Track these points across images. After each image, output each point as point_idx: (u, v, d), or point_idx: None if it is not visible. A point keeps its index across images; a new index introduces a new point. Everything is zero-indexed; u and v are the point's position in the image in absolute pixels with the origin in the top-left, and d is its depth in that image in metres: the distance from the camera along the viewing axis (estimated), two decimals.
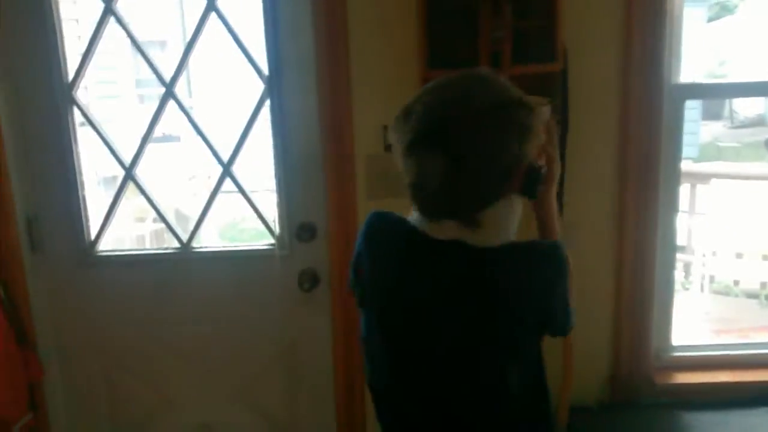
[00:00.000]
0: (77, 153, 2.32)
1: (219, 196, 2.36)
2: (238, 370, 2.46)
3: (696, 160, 5.65)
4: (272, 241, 2.35)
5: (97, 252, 2.40)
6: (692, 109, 5.35)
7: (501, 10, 1.91)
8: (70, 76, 2.26)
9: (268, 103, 2.26)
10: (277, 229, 2.34)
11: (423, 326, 1.32)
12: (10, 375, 2.22)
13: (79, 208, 2.35)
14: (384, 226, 1.39)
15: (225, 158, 2.31)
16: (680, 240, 2.44)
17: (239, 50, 2.23)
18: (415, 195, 1.26)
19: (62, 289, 2.42)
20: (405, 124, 1.23)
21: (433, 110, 1.21)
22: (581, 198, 2.20)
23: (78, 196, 2.34)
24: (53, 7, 2.21)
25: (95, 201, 2.39)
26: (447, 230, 1.29)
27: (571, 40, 2.02)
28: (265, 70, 2.24)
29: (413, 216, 1.34)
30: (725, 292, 4.78)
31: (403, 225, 1.35)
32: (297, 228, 2.31)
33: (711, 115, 6.50)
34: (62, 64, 2.24)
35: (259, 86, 2.26)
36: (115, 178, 2.36)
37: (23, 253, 2.32)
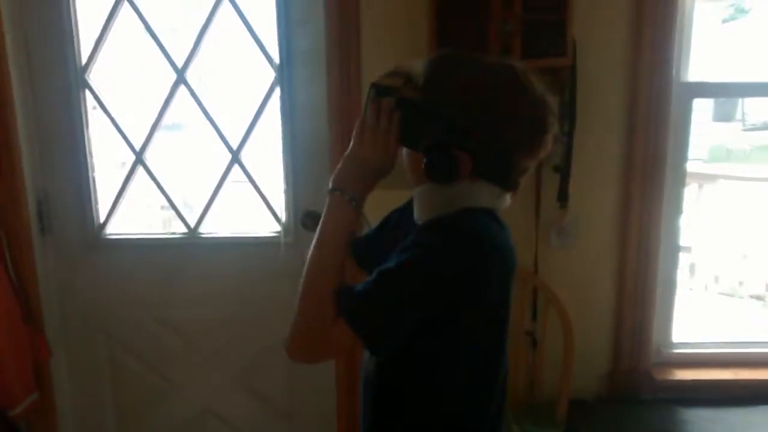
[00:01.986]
0: (88, 137, 2.34)
1: (226, 184, 2.38)
2: (241, 355, 2.49)
3: (705, 161, 5.64)
4: (278, 228, 2.37)
5: (106, 235, 2.43)
6: (703, 110, 5.33)
7: (512, 2, 1.93)
8: (84, 59, 2.28)
9: (277, 92, 2.28)
10: (282, 217, 2.37)
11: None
12: (17, 355, 2.24)
13: (89, 192, 2.38)
14: (493, 238, 1.21)
15: (234, 146, 2.33)
16: (686, 240, 2.44)
17: (251, 39, 2.25)
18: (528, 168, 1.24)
19: (70, 271, 2.45)
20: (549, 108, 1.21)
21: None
22: (586, 193, 2.22)
23: (88, 180, 2.37)
24: None
25: (104, 185, 2.41)
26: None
27: (581, 35, 2.04)
28: (276, 60, 2.26)
29: (481, 199, 1.23)
30: (730, 294, 4.77)
31: (493, 221, 1.24)
32: (302, 216, 2.33)
33: (722, 116, 6.48)
34: (76, 48, 2.27)
35: (270, 75, 2.28)
36: (123, 163, 2.38)
37: (33, 235, 2.34)
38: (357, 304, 1.16)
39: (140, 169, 2.37)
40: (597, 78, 2.14)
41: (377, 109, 1.20)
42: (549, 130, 1.20)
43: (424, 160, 1.18)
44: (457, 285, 1.14)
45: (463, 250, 1.15)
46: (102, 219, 2.41)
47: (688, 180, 2.35)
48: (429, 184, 1.22)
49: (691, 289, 4.68)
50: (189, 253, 2.42)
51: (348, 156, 1.24)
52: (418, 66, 1.22)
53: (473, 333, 1.21)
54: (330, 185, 1.24)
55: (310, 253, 1.23)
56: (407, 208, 1.34)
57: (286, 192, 2.35)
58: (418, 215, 1.26)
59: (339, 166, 1.25)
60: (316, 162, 2.28)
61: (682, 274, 2.47)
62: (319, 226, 1.23)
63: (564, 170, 2.15)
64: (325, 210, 1.23)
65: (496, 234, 1.21)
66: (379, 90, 1.20)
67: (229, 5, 2.23)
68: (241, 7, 2.23)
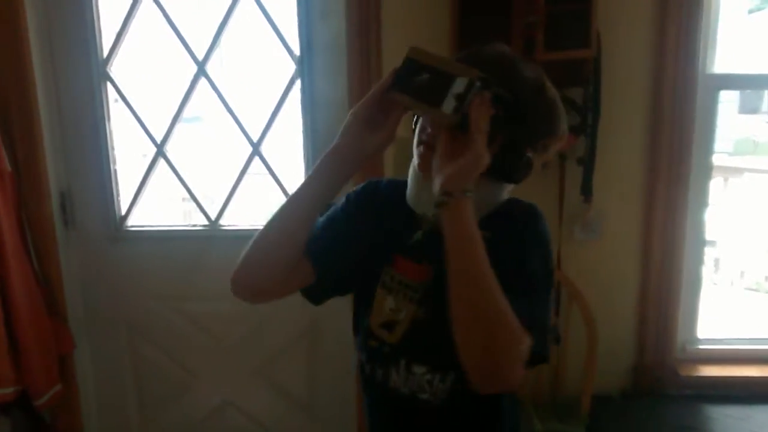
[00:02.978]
0: (110, 129, 2.35)
1: (246, 176, 2.38)
2: (261, 348, 2.49)
3: (731, 154, 5.55)
4: None
5: (127, 227, 2.44)
6: (728, 102, 5.24)
7: None
8: (105, 52, 2.29)
9: (298, 84, 2.28)
10: None
11: None
12: (42, 346, 2.27)
13: (111, 184, 2.39)
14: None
15: (254, 138, 2.33)
16: (711, 234, 2.40)
17: (271, 31, 2.25)
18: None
19: (93, 263, 2.47)
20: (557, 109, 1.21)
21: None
22: (610, 187, 2.19)
23: (110, 172, 2.38)
24: None
25: (126, 178, 2.42)
26: None
27: (605, 26, 2.00)
28: (297, 51, 2.25)
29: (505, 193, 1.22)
30: (755, 289, 4.71)
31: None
32: (324, 209, 2.32)
33: (748, 108, 6.37)
34: (98, 41, 2.28)
35: (290, 67, 2.27)
36: (145, 156, 2.39)
37: (56, 227, 2.36)
38: (543, 340, 1.11)
39: (161, 162, 2.38)
40: (621, 70, 2.11)
41: (481, 101, 1.06)
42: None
43: (502, 157, 1.11)
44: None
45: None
46: (123, 211, 2.43)
47: (713, 173, 2.31)
48: (487, 181, 1.13)
49: (716, 284, 4.62)
50: (210, 245, 2.42)
51: (470, 153, 1.04)
52: (490, 58, 1.15)
53: None
54: (455, 189, 1.03)
55: (460, 274, 1.03)
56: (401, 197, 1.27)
57: None
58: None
59: (460, 165, 1.04)
60: None
61: (707, 269, 2.42)
62: (460, 241, 1.03)
63: (588, 164, 2.12)
64: (458, 220, 1.03)
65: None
66: (484, 83, 1.06)
67: None
68: None
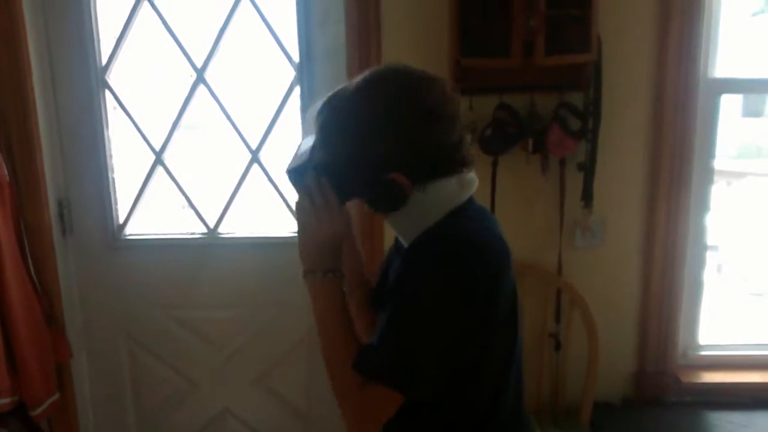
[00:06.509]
0: (108, 137, 2.35)
1: (245, 184, 2.37)
2: (260, 355, 2.48)
3: (734, 157, 5.53)
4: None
5: (125, 236, 2.43)
6: (731, 105, 5.22)
7: None
8: (104, 60, 2.28)
9: (297, 90, 2.27)
10: None
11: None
12: (40, 355, 2.25)
13: (109, 192, 2.38)
14: (482, 240, 1.16)
15: (253, 145, 2.32)
16: (713, 239, 2.39)
17: (270, 37, 2.24)
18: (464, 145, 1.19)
19: (91, 271, 2.45)
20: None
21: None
22: (611, 192, 2.18)
23: (108, 181, 2.37)
24: None
25: (124, 186, 2.41)
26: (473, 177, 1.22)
27: (606, 30, 1.99)
28: (296, 58, 2.24)
29: (453, 190, 1.18)
30: (759, 294, 4.68)
31: (467, 220, 1.18)
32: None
33: (752, 112, 6.34)
34: (96, 48, 2.27)
35: (290, 74, 2.26)
36: (143, 164, 2.38)
37: (54, 236, 2.35)
38: (377, 359, 1.14)
39: (160, 170, 2.37)
40: (622, 74, 2.10)
41: (307, 188, 1.19)
42: (440, 102, 1.14)
43: (366, 201, 1.20)
44: (457, 301, 1.10)
45: (446, 267, 1.10)
46: (122, 220, 2.42)
47: (715, 177, 2.30)
48: (390, 215, 1.20)
49: (718, 290, 4.59)
50: (208, 254, 2.41)
51: (308, 239, 1.21)
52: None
53: (487, 341, 1.16)
54: (302, 271, 1.23)
55: (318, 335, 1.24)
56: (396, 241, 1.32)
57: None
58: (404, 243, 1.22)
59: (300, 249, 1.22)
60: None
61: (709, 274, 2.42)
62: (313, 311, 1.24)
63: (588, 169, 2.11)
64: (309, 295, 1.24)
65: (471, 233, 1.15)
66: (294, 172, 1.21)
67: (249, 4, 2.21)
68: (261, 6, 2.21)
